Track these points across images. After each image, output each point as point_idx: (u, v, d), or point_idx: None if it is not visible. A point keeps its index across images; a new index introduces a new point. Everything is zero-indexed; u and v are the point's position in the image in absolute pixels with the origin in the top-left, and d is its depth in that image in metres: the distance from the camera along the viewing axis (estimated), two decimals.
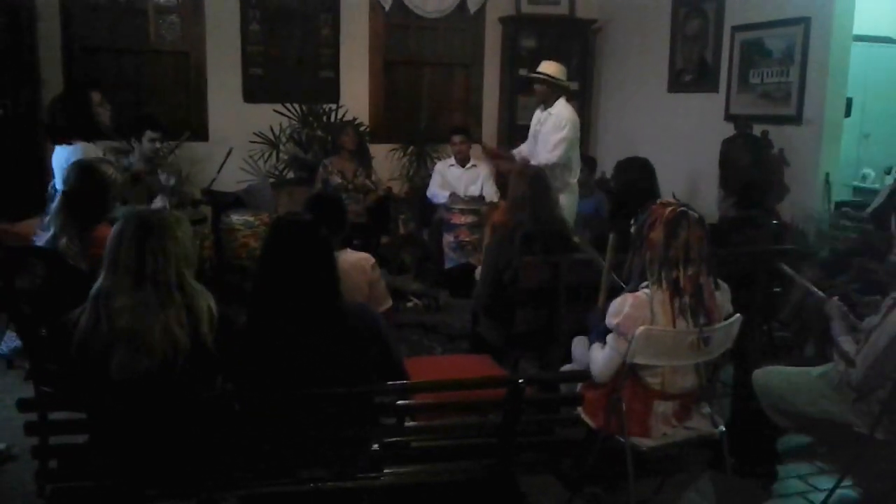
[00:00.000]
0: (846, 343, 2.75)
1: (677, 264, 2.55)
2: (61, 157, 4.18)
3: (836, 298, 2.99)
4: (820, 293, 3.10)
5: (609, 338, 2.64)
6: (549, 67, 5.25)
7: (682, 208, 2.60)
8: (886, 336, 2.62)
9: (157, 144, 5.25)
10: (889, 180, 6.22)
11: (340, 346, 2.18)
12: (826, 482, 3.11)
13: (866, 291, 3.82)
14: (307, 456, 2.15)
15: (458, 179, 6.27)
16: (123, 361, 2.08)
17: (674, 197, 3.39)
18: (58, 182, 4.17)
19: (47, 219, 3.26)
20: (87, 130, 4.20)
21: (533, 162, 5.01)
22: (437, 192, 6.31)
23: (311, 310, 2.17)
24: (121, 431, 2.07)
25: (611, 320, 2.60)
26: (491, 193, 6.19)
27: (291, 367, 2.14)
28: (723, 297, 2.69)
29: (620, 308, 2.59)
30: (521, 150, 5.43)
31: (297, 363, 2.14)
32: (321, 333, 2.16)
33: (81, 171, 3.32)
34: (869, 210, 4.73)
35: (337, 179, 6.04)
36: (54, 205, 3.25)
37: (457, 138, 6.28)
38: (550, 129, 5.14)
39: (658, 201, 2.71)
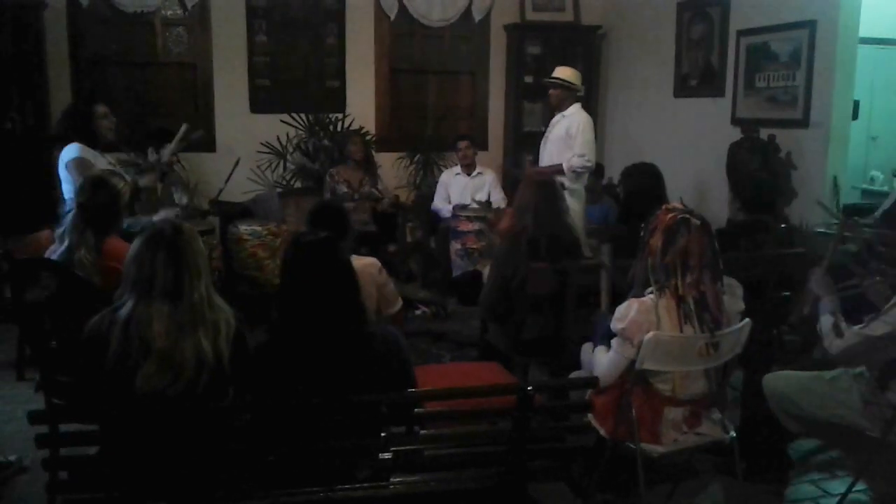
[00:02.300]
0: (829, 321, 2.74)
1: (675, 271, 2.54)
2: (63, 157, 4.22)
3: (818, 270, 2.94)
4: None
5: (614, 342, 2.63)
6: (563, 72, 5.38)
7: (684, 215, 2.58)
8: (886, 326, 2.60)
9: (175, 157, 5.30)
10: None
11: (364, 372, 2.19)
12: (838, 487, 3.10)
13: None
14: (316, 466, 2.15)
15: (464, 188, 6.27)
16: (150, 377, 2.11)
17: (681, 202, 3.37)
18: (65, 187, 4.22)
19: (60, 231, 3.27)
20: (87, 139, 4.27)
21: (565, 166, 5.12)
22: (441, 206, 6.32)
23: (338, 332, 2.18)
24: (133, 443, 2.08)
25: (616, 325, 2.59)
26: (498, 199, 6.20)
27: (312, 388, 2.14)
28: (732, 297, 2.67)
29: (626, 313, 2.57)
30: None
31: (318, 385, 2.14)
32: (346, 357, 2.18)
33: (95, 184, 3.33)
34: (879, 212, 4.70)
35: (343, 188, 6.05)
36: (70, 217, 3.25)
37: (462, 144, 6.31)
38: (563, 133, 5.20)
39: (663, 207, 2.71)
